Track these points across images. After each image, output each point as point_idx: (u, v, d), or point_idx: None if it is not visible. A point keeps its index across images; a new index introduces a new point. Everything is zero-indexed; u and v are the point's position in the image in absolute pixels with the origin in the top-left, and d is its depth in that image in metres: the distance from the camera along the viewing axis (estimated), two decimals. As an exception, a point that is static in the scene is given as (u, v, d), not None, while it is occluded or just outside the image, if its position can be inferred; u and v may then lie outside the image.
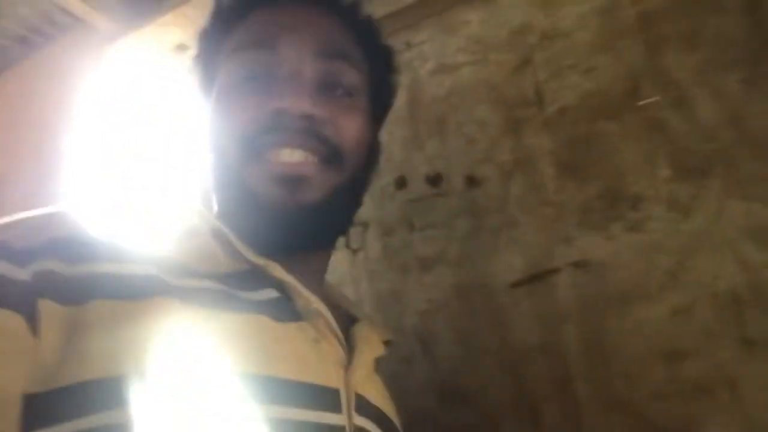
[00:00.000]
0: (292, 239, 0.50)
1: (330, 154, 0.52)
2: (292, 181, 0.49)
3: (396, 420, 0.55)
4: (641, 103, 0.71)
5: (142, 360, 0.36)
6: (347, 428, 0.44)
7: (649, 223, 0.67)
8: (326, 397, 0.44)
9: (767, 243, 0.60)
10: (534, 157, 0.77)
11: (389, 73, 0.65)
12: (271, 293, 0.48)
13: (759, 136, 0.64)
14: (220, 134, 0.53)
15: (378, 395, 0.53)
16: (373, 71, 0.60)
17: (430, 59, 0.89)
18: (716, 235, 0.62)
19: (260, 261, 0.49)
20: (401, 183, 0.85)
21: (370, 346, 0.54)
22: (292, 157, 0.50)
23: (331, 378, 0.46)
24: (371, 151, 0.59)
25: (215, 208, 0.56)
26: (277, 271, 0.48)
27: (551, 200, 0.73)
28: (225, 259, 0.48)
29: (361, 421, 0.46)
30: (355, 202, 0.58)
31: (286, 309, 0.47)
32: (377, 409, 0.51)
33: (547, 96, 0.79)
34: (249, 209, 0.50)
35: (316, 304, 0.49)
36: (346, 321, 0.57)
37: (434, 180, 0.83)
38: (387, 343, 0.60)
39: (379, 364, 0.56)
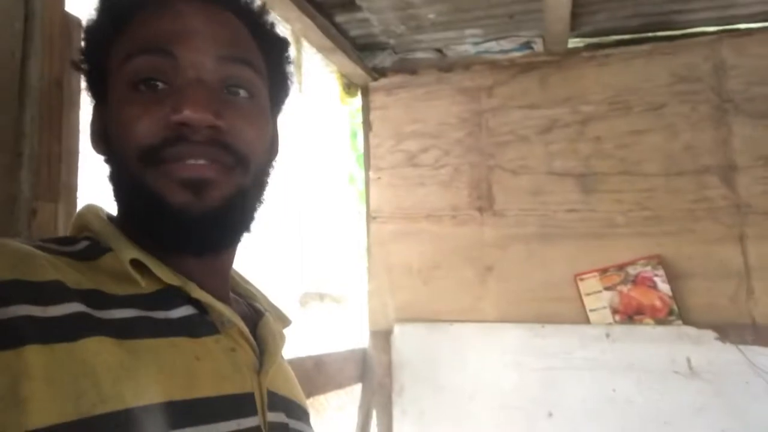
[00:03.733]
0: (200, 243, 0.52)
1: (234, 162, 0.53)
2: (197, 184, 0.50)
3: (299, 397, 0.62)
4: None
5: (84, 405, 0.39)
6: (262, 427, 0.50)
7: None
8: (242, 404, 0.49)
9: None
10: None
11: (285, 66, 0.64)
12: (188, 310, 0.50)
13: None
14: (119, 145, 0.52)
15: (284, 384, 0.59)
16: (271, 67, 0.60)
17: None
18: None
19: (177, 281, 0.51)
20: None
21: (276, 342, 0.58)
22: (197, 163, 0.51)
23: (246, 383, 0.51)
24: (272, 146, 0.61)
25: (117, 214, 0.56)
26: (195, 291, 0.51)
27: None
28: (142, 280, 0.49)
29: (273, 416, 0.53)
30: (260, 199, 0.59)
31: (202, 323, 0.51)
32: (285, 399, 0.57)
33: None
34: (153, 214, 0.50)
35: (231, 315, 0.52)
36: (251, 314, 0.62)
37: None
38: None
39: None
